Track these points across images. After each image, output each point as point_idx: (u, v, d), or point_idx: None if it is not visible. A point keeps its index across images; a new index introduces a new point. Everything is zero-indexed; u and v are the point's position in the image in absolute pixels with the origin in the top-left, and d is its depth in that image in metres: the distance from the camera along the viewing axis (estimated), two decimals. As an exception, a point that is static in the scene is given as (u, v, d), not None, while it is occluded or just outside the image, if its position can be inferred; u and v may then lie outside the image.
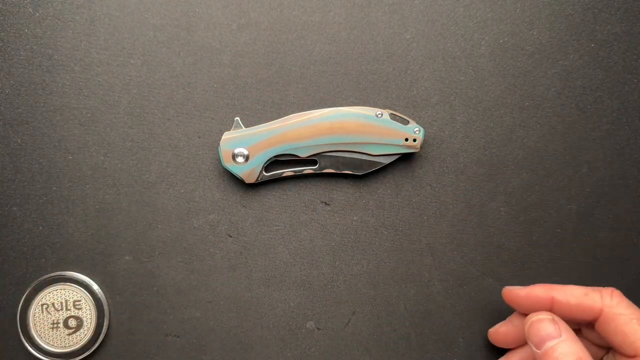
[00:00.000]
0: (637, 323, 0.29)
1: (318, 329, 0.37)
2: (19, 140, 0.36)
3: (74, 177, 0.36)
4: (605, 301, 0.30)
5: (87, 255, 0.36)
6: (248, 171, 0.35)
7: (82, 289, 0.36)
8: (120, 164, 0.36)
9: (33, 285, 0.36)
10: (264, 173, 0.36)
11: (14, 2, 0.36)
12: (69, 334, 0.36)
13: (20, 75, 0.36)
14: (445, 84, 0.37)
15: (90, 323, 0.36)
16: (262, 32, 0.37)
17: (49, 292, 0.36)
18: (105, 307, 0.36)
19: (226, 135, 0.35)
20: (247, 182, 0.36)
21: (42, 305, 0.36)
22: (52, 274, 0.36)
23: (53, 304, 0.36)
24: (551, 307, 0.31)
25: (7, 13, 0.36)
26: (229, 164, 0.35)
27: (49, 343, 0.36)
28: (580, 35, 0.38)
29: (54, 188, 0.36)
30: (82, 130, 0.36)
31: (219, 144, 0.36)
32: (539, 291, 0.32)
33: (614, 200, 0.38)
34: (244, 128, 0.35)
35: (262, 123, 0.36)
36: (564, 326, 0.30)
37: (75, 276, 0.36)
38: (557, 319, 0.31)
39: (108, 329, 0.36)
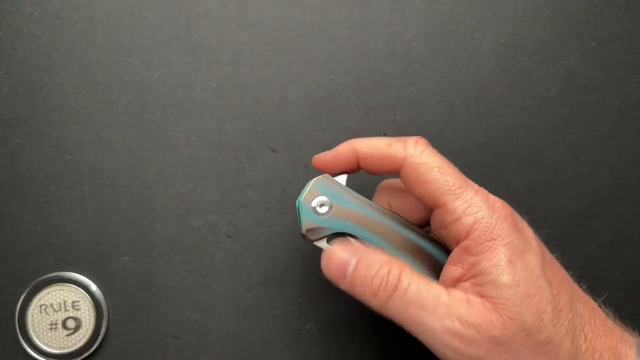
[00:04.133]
0: (438, 171, 0.27)
1: (318, 330, 0.37)
2: (17, 140, 0.36)
3: (72, 177, 0.36)
4: (409, 151, 0.28)
5: (86, 256, 0.36)
6: (316, 225, 0.30)
7: (81, 290, 0.36)
8: (119, 163, 0.36)
9: (31, 285, 0.35)
10: (325, 242, 0.30)
11: (12, 1, 0.36)
12: (68, 335, 0.36)
13: (19, 75, 0.36)
14: (446, 84, 0.37)
15: (89, 324, 0.36)
16: (262, 31, 0.37)
17: (48, 293, 0.35)
18: (104, 308, 0.36)
19: (326, 178, 0.30)
20: (304, 232, 0.30)
21: (40, 306, 0.35)
22: (51, 275, 0.36)
23: (52, 304, 0.36)
24: (357, 162, 0.30)
25: (6, 12, 0.36)
26: (306, 204, 0.30)
27: (47, 344, 0.35)
28: (582, 35, 0.38)
29: (52, 188, 0.36)
30: (81, 129, 0.36)
31: (312, 179, 0.30)
32: (344, 149, 0.30)
33: (615, 200, 0.38)
34: (344, 185, 0.30)
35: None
36: (353, 246, 0.28)
37: (73, 277, 0.36)
38: (346, 241, 0.29)
39: (107, 329, 0.36)
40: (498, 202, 0.27)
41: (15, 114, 0.36)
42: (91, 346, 0.36)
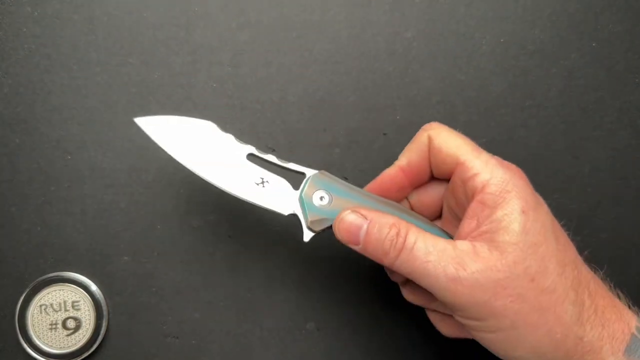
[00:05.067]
0: (458, 136, 0.30)
1: (318, 329, 0.37)
2: (18, 140, 0.36)
3: (72, 177, 0.36)
4: (429, 129, 0.31)
5: (86, 256, 0.36)
6: (319, 217, 0.30)
7: (81, 290, 0.36)
8: (119, 164, 0.36)
9: (31, 285, 0.35)
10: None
11: (12, 1, 0.36)
12: (68, 335, 0.36)
13: (19, 75, 0.36)
14: (446, 84, 0.37)
15: (89, 324, 0.36)
16: (262, 31, 0.37)
17: (48, 293, 0.35)
18: (104, 308, 0.36)
19: (323, 174, 0.31)
20: (309, 225, 0.31)
21: (40, 306, 0.35)
22: (51, 275, 0.36)
23: (52, 304, 0.36)
24: (405, 180, 0.32)
25: (6, 12, 0.36)
26: (306, 197, 0.31)
27: (47, 344, 0.35)
28: (582, 35, 0.38)
29: (53, 188, 0.36)
30: (81, 129, 0.36)
31: (309, 175, 0.31)
32: (389, 172, 0.32)
33: (615, 200, 0.38)
34: (339, 179, 0.31)
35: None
36: (365, 210, 0.29)
37: (73, 277, 0.36)
38: (356, 207, 0.30)
39: (107, 329, 0.36)
40: (512, 165, 0.29)
41: (15, 114, 0.36)
42: (91, 346, 0.36)
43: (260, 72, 0.37)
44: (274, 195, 0.31)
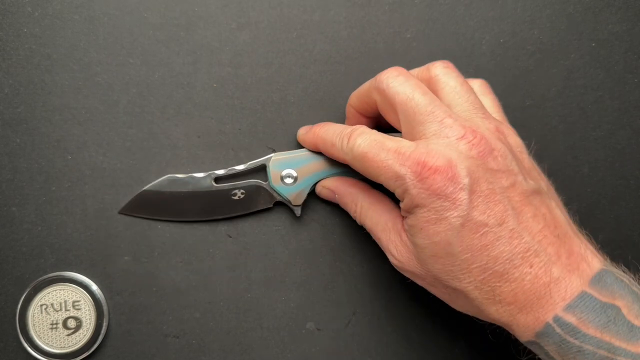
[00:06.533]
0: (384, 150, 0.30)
1: (318, 329, 0.37)
2: (18, 140, 0.36)
3: (73, 177, 0.36)
4: (344, 148, 0.32)
5: (87, 256, 0.36)
6: (296, 192, 0.35)
7: (82, 290, 0.36)
8: (120, 164, 0.36)
9: (32, 285, 0.35)
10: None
11: (13, 1, 0.36)
12: (68, 335, 0.36)
13: (19, 75, 0.36)
14: (445, 84, 0.37)
15: (90, 324, 0.36)
16: (262, 31, 0.37)
17: (48, 293, 0.36)
18: (105, 308, 0.36)
19: (275, 157, 0.35)
20: (294, 203, 0.36)
21: (41, 305, 0.35)
22: (51, 275, 0.36)
23: (52, 304, 0.36)
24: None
25: (6, 12, 0.36)
26: (276, 185, 0.35)
27: (48, 344, 0.36)
28: (581, 35, 0.38)
29: (53, 188, 0.36)
30: (81, 130, 0.36)
31: (267, 164, 0.35)
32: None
33: (614, 200, 0.38)
34: (292, 151, 0.36)
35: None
36: (332, 183, 0.36)
37: (74, 276, 0.36)
38: (323, 182, 0.36)
39: (107, 329, 0.36)
40: (433, 170, 0.28)
41: (15, 114, 0.36)
42: (92, 346, 0.36)
43: (260, 72, 0.37)
44: (254, 198, 0.36)
